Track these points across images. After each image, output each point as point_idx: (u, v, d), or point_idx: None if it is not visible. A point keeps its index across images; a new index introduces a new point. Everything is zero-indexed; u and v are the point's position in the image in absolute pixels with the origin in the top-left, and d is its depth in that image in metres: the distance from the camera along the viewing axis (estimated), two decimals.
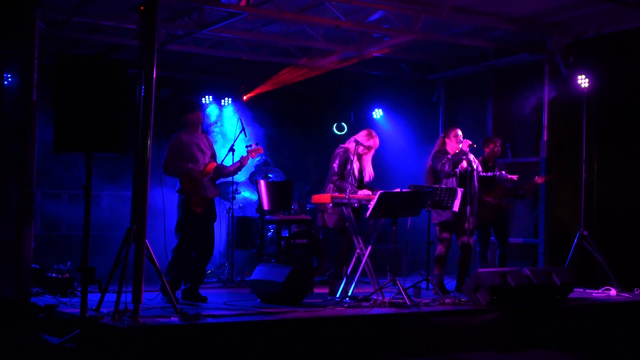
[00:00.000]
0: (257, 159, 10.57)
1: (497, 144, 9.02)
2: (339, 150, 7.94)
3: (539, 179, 9.22)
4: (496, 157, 9.05)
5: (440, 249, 8.36)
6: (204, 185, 7.37)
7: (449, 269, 8.62)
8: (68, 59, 6.00)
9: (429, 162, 8.47)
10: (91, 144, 5.92)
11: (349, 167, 7.80)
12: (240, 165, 7.58)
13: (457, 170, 8.21)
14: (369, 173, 8.02)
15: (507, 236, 9.13)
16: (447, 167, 8.14)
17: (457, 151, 8.22)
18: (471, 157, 8.21)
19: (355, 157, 7.84)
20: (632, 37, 9.21)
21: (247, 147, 7.89)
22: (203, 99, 11.50)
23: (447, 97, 12.13)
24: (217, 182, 7.61)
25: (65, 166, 6.18)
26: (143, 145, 6.06)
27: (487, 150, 9.00)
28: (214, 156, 7.63)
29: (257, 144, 7.82)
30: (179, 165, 7.33)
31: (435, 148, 8.51)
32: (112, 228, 9.37)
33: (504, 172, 8.82)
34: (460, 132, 8.41)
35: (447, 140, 8.45)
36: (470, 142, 8.20)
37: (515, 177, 8.82)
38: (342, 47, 10.26)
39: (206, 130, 7.76)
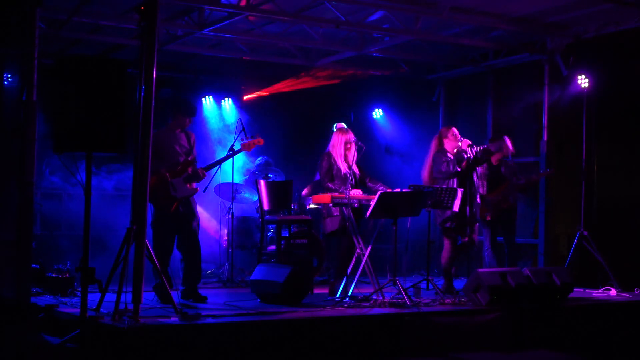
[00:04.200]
0: (259, 159, 10.57)
1: (505, 143, 9.08)
2: (323, 156, 8.01)
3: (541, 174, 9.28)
4: (505, 156, 9.06)
5: (446, 250, 8.33)
6: (174, 185, 7.27)
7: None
8: (68, 59, 6.00)
9: (429, 163, 8.42)
10: (91, 144, 5.92)
11: (334, 171, 7.88)
12: (222, 160, 7.60)
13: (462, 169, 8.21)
14: (355, 170, 8.08)
15: (514, 235, 9.13)
16: (451, 167, 8.14)
17: (458, 150, 8.22)
18: (471, 155, 8.21)
19: (341, 159, 7.90)
20: (632, 37, 9.21)
21: (241, 140, 7.84)
22: (203, 99, 11.51)
23: (447, 97, 12.13)
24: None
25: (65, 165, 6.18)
26: (143, 145, 6.05)
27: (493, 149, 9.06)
28: (188, 154, 7.46)
29: (253, 136, 7.74)
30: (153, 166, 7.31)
31: (433, 149, 8.47)
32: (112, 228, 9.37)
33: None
34: (457, 131, 8.41)
35: (445, 140, 8.41)
36: (470, 142, 8.21)
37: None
38: (342, 47, 10.27)
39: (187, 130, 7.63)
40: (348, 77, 11.30)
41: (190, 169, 7.36)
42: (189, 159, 7.41)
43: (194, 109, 7.61)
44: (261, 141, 7.81)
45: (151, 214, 7.29)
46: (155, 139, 7.32)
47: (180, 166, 7.35)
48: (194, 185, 7.44)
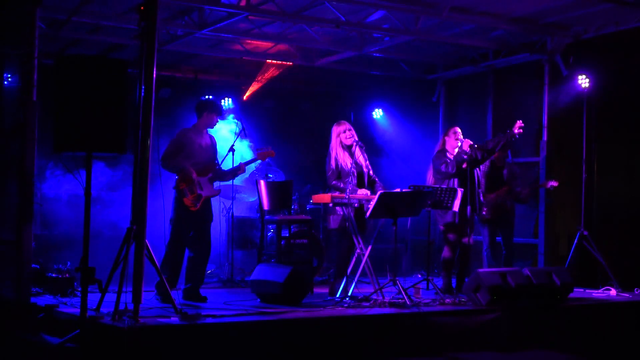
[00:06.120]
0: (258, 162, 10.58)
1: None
2: (328, 156, 7.97)
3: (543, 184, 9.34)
4: (505, 157, 9.11)
5: (446, 251, 8.31)
6: (201, 184, 7.36)
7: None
8: (68, 59, 6.00)
9: (431, 163, 8.43)
10: (91, 144, 5.92)
11: (341, 165, 7.82)
12: (238, 169, 7.64)
13: (462, 169, 8.18)
14: (364, 165, 8.01)
15: (512, 236, 9.13)
16: (450, 168, 8.11)
17: (458, 151, 8.21)
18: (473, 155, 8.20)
19: (346, 153, 7.85)
20: (632, 37, 9.20)
21: (257, 149, 7.96)
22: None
23: (447, 97, 12.13)
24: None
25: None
26: (143, 145, 6.05)
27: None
28: (213, 157, 7.61)
29: (268, 148, 7.92)
30: (176, 161, 7.35)
31: (437, 149, 8.50)
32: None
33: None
34: (459, 130, 8.40)
35: (446, 139, 8.43)
36: (471, 143, 8.19)
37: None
38: (342, 47, 10.26)
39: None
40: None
41: (213, 171, 7.47)
42: (214, 161, 7.57)
43: (222, 111, 7.74)
44: (272, 153, 7.98)
45: (173, 210, 7.36)
46: (183, 137, 7.43)
47: (203, 165, 7.41)
48: (216, 187, 7.56)
